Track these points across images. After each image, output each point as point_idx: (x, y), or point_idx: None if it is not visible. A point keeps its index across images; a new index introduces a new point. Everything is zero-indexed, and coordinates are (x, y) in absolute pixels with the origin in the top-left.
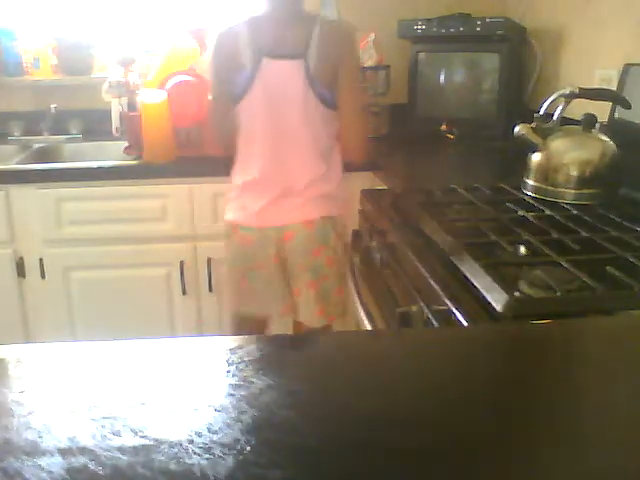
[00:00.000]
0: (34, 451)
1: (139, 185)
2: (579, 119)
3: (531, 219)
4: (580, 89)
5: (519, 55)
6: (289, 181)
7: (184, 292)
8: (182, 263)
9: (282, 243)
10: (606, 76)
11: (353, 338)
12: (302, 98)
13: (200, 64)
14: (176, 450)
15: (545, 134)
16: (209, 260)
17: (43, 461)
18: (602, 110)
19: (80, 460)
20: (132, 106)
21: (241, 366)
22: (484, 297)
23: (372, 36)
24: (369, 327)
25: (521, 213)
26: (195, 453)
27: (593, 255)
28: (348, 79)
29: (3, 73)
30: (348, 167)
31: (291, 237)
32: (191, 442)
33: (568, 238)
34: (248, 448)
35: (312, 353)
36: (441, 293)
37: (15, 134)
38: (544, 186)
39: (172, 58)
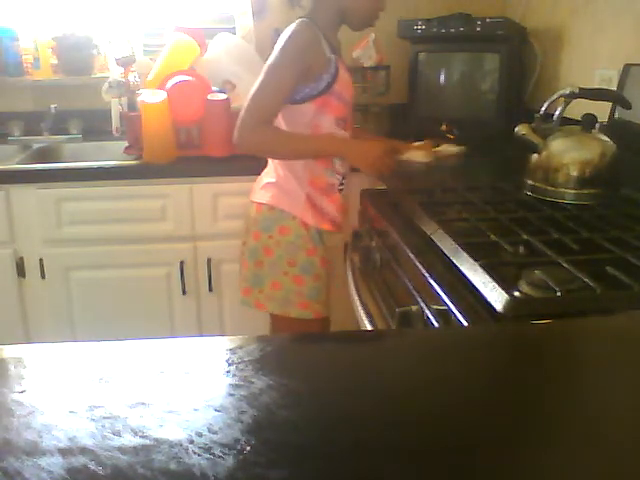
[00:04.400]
0: (34, 451)
1: (139, 185)
2: (579, 119)
3: (531, 219)
4: (580, 89)
5: (519, 55)
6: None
7: (184, 292)
8: (182, 263)
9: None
10: (606, 76)
11: (353, 338)
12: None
13: (200, 64)
14: (176, 450)
15: (545, 134)
16: (209, 260)
17: (43, 461)
18: (602, 110)
19: (80, 460)
20: (132, 106)
21: (241, 366)
22: (484, 297)
23: (372, 36)
24: (369, 327)
25: (521, 213)
26: (195, 453)
27: (593, 255)
28: None
29: (3, 73)
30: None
31: (250, 214)
32: (191, 442)
33: (568, 238)
34: (248, 448)
35: (312, 353)
36: (441, 293)
37: (15, 134)
38: (544, 186)
39: (172, 58)
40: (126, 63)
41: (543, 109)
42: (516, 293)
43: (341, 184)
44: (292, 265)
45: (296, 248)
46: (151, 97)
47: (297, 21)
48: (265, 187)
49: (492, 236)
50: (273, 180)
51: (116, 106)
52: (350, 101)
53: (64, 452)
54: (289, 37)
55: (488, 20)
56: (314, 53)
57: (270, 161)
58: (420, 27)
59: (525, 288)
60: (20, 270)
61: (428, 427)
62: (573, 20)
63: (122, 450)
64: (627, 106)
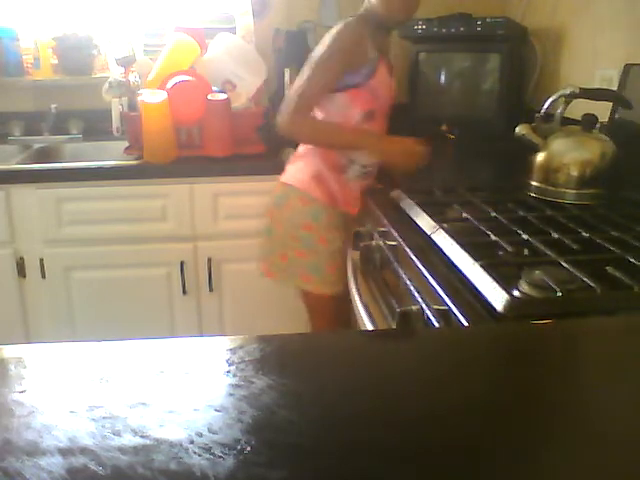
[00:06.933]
0: (34, 451)
1: (139, 185)
2: (579, 119)
3: (531, 219)
4: (581, 89)
5: (519, 55)
6: None
7: (184, 292)
8: (182, 263)
9: None
10: (606, 76)
11: (353, 338)
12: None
13: (200, 64)
14: (176, 450)
15: (546, 134)
16: (209, 260)
17: (43, 461)
18: (602, 110)
19: (80, 460)
20: (132, 106)
21: (241, 366)
22: (484, 297)
23: None
24: (369, 327)
25: (521, 213)
26: (195, 453)
27: (593, 255)
28: None
29: (3, 73)
30: None
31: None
32: (191, 442)
33: (568, 238)
34: (248, 448)
35: (312, 353)
36: (441, 293)
37: (15, 134)
38: (544, 186)
39: (172, 58)
40: (126, 63)
41: (543, 109)
42: (516, 293)
43: (364, 173)
44: (295, 240)
45: (294, 224)
46: (151, 97)
47: (345, 20)
48: (288, 167)
49: (492, 236)
50: (299, 152)
51: (116, 106)
52: (384, 100)
53: (64, 452)
54: (335, 37)
55: (488, 20)
56: (356, 53)
57: None
58: (420, 27)
59: (525, 288)
60: (20, 270)
61: (428, 427)
62: (573, 20)
63: (122, 450)
64: (627, 106)
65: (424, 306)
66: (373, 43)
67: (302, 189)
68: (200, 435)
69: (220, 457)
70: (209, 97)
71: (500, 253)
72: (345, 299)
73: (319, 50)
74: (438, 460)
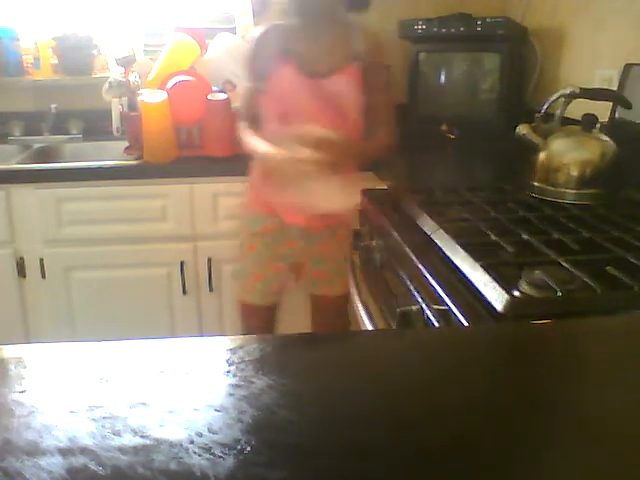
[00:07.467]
0: (34, 451)
1: (139, 185)
2: (579, 119)
3: (531, 219)
4: (581, 89)
5: (520, 55)
6: None
7: (184, 292)
8: (182, 263)
9: None
10: (607, 76)
11: (353, 338)
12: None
13: (200, 64)
14: (176, 450)
15: (546, 134)
16: (209, 260)
17: (43, 461)
18: (602, 110)
19: (80, 460)
20: (132, 106)
21: (241, 366)
22: (484, 297)
23: None
24: (369, 327)
25: (521, 213)
26: (195, 453)
27: (593, 255)
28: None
29: (3, 73)
30: None
31: None
32: (191, 442)
33: (568, 238)
34: (248, 448)
35: (312, 353)
36: (441, 293)
37: (15, 134)
38: (545, 186)
39: (172, 58)
40: (126, 63)
41: (544, 109)
42: (516, 293)
43: None
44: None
45: (240, 227)
46: (151, 97)
47: None
48: None
49: (492, 236)
50: None
51: (116, 106)
52: (298, 103)
53: (64, 452)
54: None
55: (488, 20)
56: (250, 59)
57: None
58: (421, 27)
59: (525, 288)
60: (20, 270)
61: (428, 427)
62: (573, 20)
63: (122, 450)
64: (627, 106)
65: (424, 306)
66: (277, 46)
67: (247, 197)
68: (200, 435)
69: (220, 457)
70: (209, 97)
71: (500, 253)
72: (268, 316)
73: None
74: (438, 460)
